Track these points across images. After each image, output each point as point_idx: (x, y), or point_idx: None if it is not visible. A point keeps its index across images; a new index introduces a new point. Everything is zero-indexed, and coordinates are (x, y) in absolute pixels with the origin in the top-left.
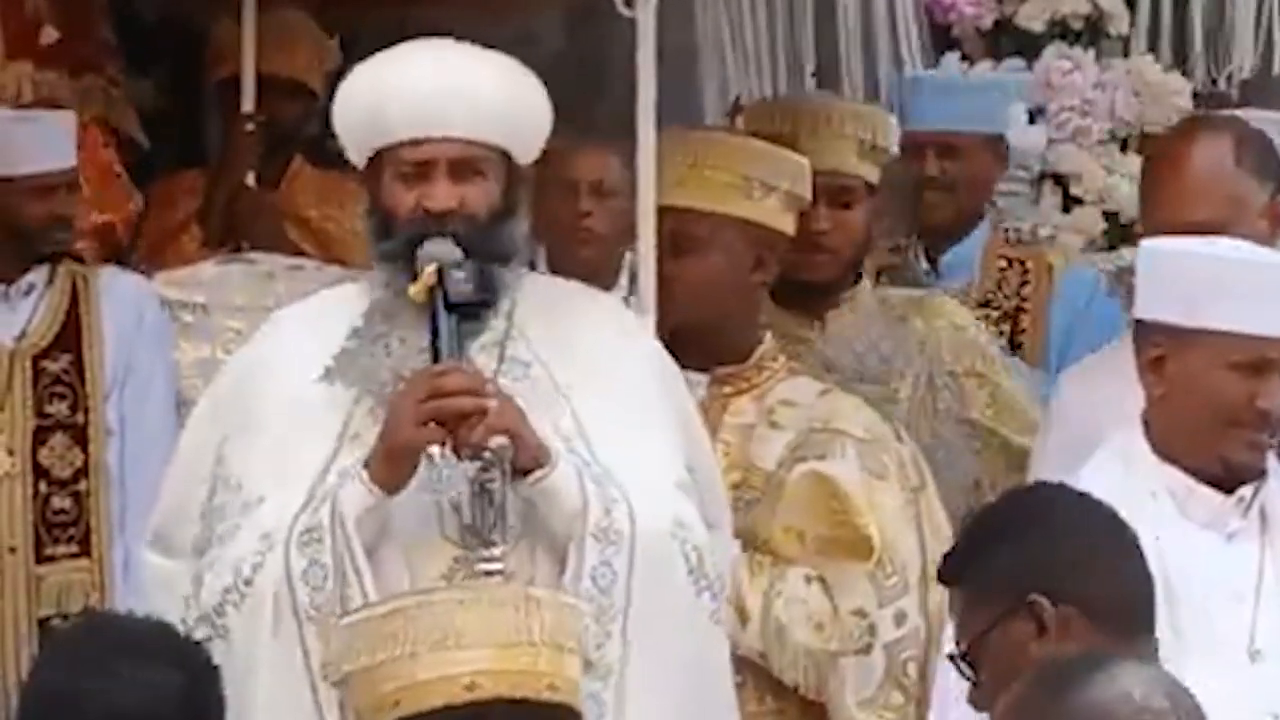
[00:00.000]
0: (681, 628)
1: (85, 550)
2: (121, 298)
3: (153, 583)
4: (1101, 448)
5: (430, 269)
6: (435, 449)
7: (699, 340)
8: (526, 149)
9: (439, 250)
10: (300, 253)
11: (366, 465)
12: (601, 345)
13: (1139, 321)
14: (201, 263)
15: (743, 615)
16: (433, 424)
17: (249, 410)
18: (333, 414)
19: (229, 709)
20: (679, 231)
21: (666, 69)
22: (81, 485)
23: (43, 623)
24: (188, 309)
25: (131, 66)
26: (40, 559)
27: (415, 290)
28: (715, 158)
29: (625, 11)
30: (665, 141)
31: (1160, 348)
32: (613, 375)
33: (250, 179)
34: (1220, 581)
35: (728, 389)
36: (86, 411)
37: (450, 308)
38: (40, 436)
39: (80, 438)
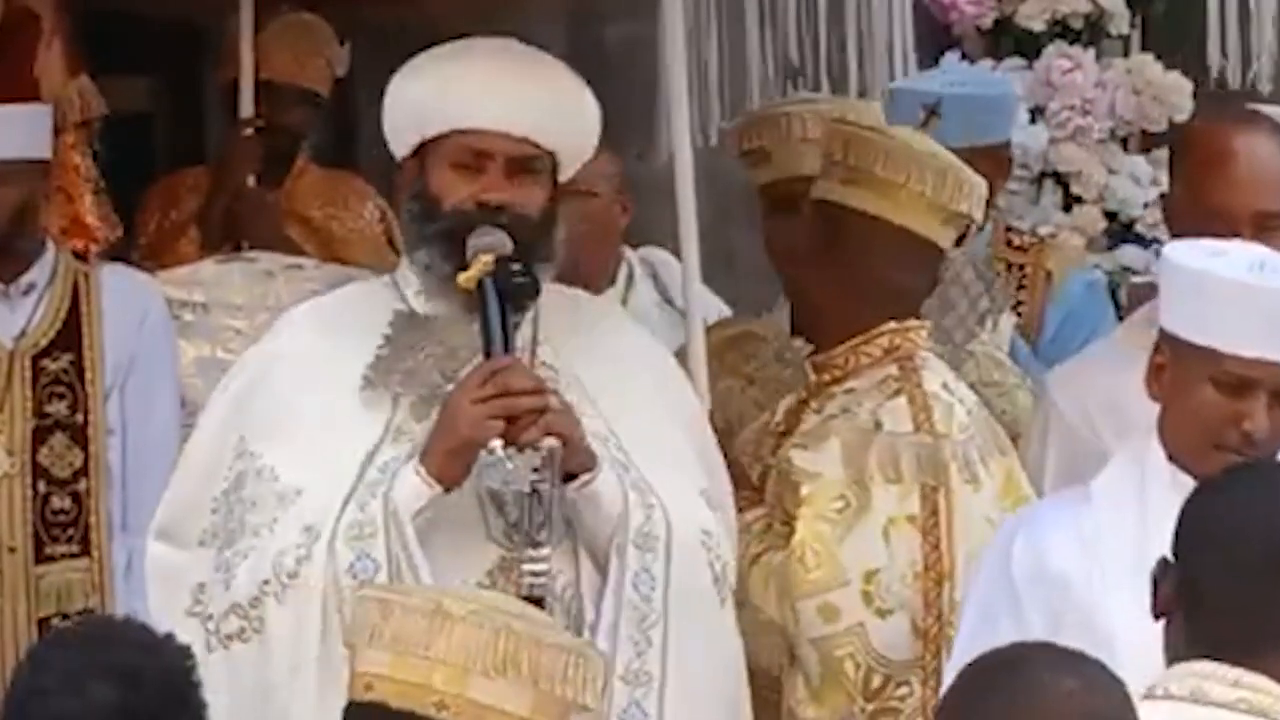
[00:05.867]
0: (710, 636)
1: (85, 550)
2: (123, 296)
3: (156, 572)
4: (1116, 455)
5: (486, 257)
6: (496, 442)
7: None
8: (573, 160)
9: (492, 240)
10: (300, 252)
11: (422, 460)
12: (619, 349)
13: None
14: (201, 261)
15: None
16: (493, 419)
17: (273, 405)
18: (373, 408)
19: (267, 703)
20: None
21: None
22: (81, 485)
23: (42, 623)
24: (187, 308)
25: (132, 66)
26: (40, 559)
27: (466, 277)
28: None
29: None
30: None
31: (1162, 355)
32: (633, 379)
33: (251, 180)
34: None
35: (825, 376)
36: (86, 411)
37: (502, 299)
38: (39, 436)
39: (80, 437)
